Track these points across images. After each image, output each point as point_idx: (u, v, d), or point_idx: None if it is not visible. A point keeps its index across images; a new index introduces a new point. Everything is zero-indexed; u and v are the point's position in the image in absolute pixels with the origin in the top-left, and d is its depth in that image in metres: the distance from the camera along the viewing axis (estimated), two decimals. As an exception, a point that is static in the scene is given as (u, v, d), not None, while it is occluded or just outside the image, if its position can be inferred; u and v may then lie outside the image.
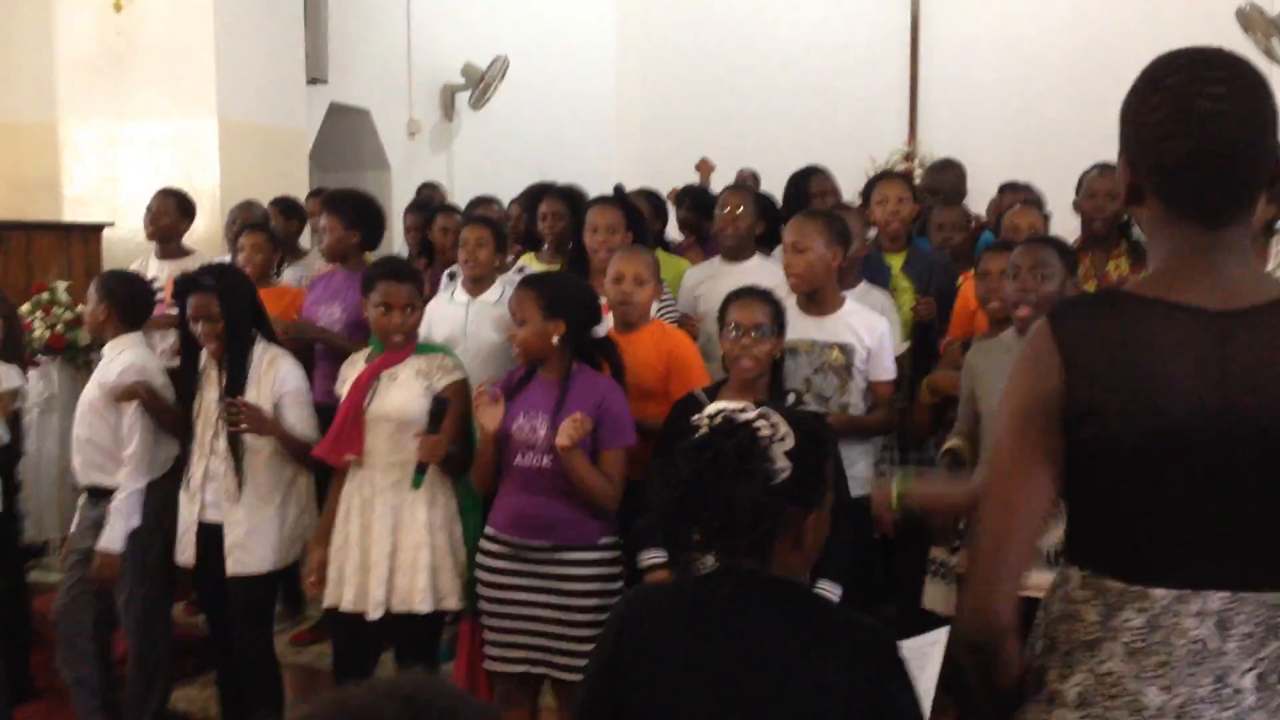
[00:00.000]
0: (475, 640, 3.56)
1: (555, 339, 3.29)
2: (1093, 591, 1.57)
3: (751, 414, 1.73)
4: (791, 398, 3.32)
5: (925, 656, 2.24)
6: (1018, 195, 5.09)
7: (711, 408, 1.77)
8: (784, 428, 1.71)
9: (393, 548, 3.47)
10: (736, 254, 4.45)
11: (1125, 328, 1.52)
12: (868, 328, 3.70)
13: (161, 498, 3.94)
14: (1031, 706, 1.62)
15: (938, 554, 3.58)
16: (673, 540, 1.78)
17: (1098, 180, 4.31)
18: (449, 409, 3.44)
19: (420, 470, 3.38)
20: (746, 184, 6.42)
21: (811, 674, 1.65)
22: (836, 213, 4.07)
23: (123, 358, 3.93)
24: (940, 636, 2.30)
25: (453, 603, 3.52)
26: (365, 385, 3.55)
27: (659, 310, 4.05)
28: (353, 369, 3.67)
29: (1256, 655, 1.50)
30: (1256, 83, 1.50)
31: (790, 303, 3.65)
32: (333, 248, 4.66)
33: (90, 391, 3.97)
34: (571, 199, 4.94)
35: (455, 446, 3.50)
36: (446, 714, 0.95)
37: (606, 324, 3.49)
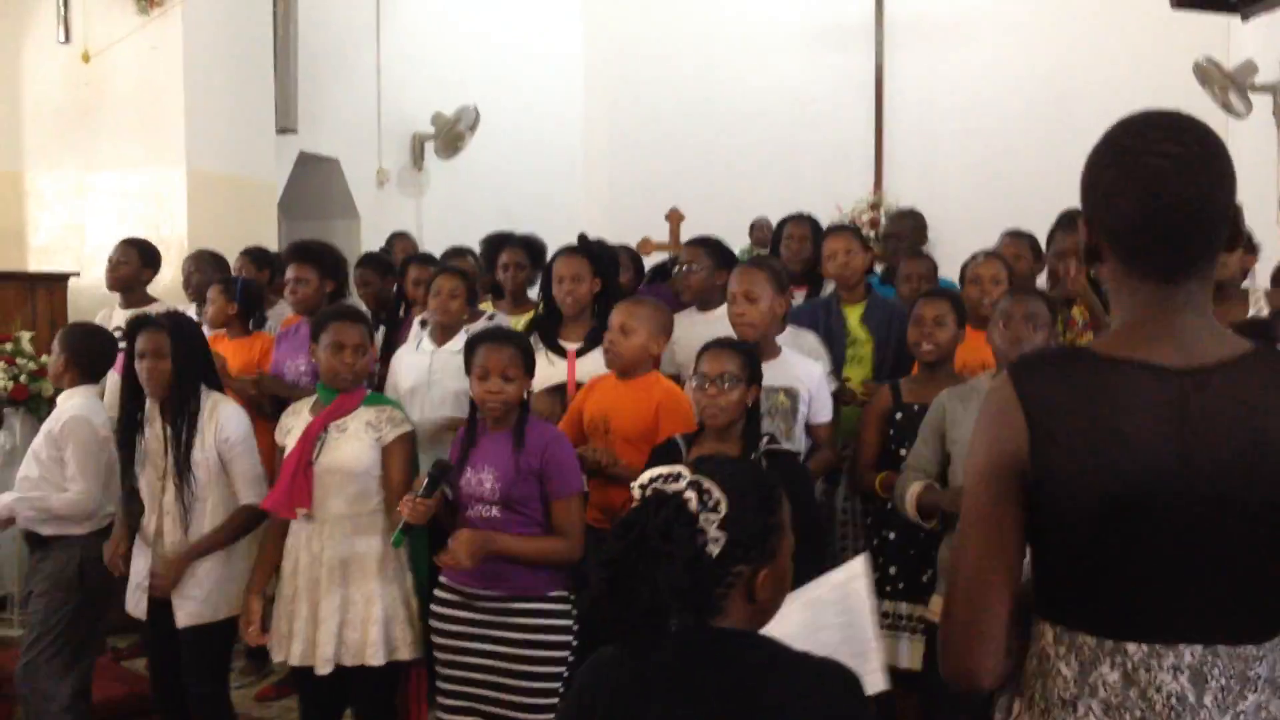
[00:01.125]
0: (423, 689, 3.55)
1: (525, 395, 3.38)
2: (1066, 647, 1.57)
3: (681, 483, 1.69)
4: (765, 440, 3.34)
5: (850, 596, 2.21)
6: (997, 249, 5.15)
7: (644, 476, 1.73)
8: (716, 494, 1.67)
9: (343, 601, 3.44)
10: (706, 304, 4.48)
11: (1087, 387, 1.52)
12: (806, 372, 3.83)
13: (93, 551, 3.88)
14: None
15: (900, 608, 3.60)
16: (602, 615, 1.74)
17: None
18: (449, 474, 3.35)
19: (404, 530, 3.31)
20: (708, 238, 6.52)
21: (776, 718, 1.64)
22: (778, 262, 4.18)
23: (68, 407, 3.89)
24: (858, 569, 2.27)
25: (406, 653, 3.50)
26: (314, 437, 3.51)
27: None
28: (295, 419, 3.63)
29: (1235, 709, 1.50)
30: (1208, 141, 1.52)
31: None
32: (308, 299, 4.64)
33: (37, 439, 3.95)
34: (531, 248, 4.97)
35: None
36: None
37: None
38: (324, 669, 3.44)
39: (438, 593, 3.38)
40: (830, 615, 2.27)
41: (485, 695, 3.28)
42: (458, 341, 4.35)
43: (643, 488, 1.71)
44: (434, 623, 3.38)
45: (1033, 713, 1.60)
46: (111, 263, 5.50)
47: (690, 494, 1.67)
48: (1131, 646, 1.52)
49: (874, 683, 2.21)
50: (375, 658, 3.43)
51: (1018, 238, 4.92)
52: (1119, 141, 1.53)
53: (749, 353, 3.37)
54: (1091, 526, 1.51)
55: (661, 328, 3.78)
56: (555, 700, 3.27)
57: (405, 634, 3.49)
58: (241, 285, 5.02)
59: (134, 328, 3.69)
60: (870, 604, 2.27)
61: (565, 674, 3.28)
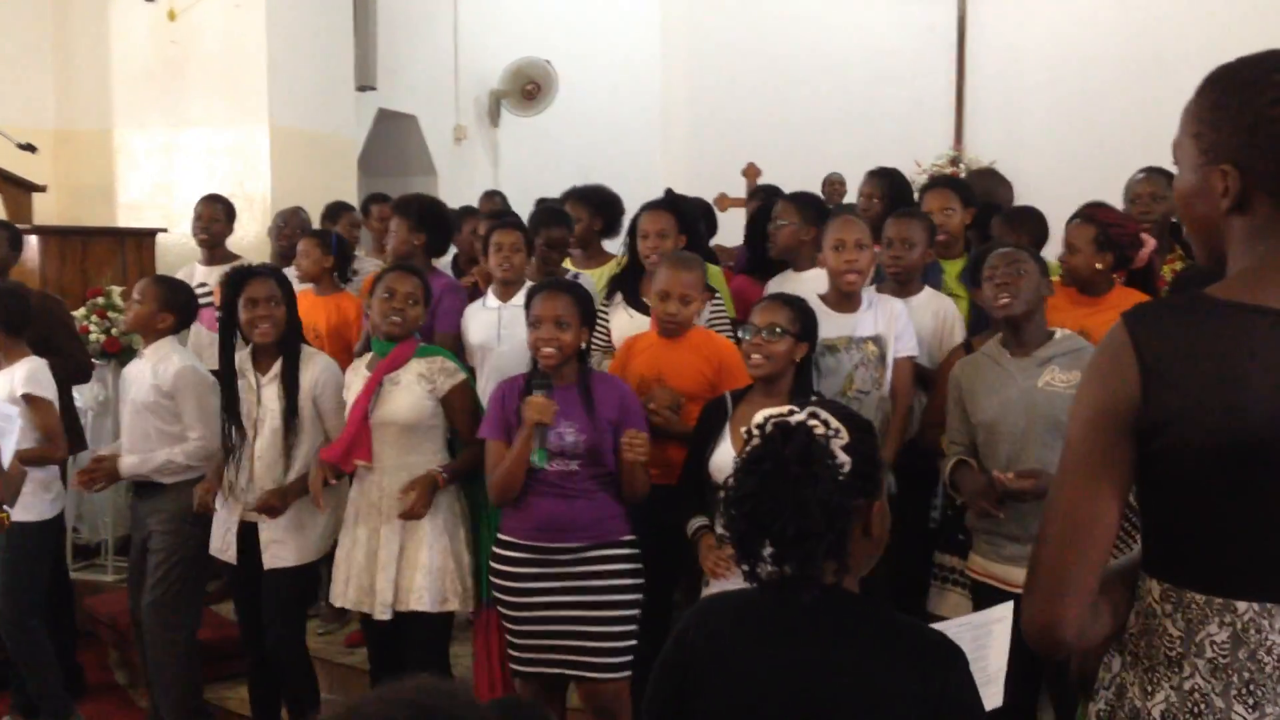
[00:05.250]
0: (491, 639, 3.61)
1: (583, 345, 3.39)
2: (1173, 605, 1.53)
3: (802, 414, 1.71)
4: (815, 400, 3.31)
5: (990, 635, 2.22)
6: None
7: (758, 416, 1.74)
8: (834, 423, 1.70)
9: (400, 548, 3.54)
10: (799, 263, 4.40)
11: (1205, 333, 1.47)
12: (889, 315, 3.79)
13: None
14: None
15: (945, 560, 3.58)
16: (744, 554, 1.74)
17: (1142, 184, 4.29)
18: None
19: (541, 442, 3.29)
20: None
21: (883, 685, 1.65)
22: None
23: (173, 361, 3.98)
24: (1005, 613, 2.29)
25: (455, 605, 3.59)
26: (370, 392, 3.59)
27: (708, 318, 4.07)
28: (355, 375, 3.72)
29: None
30: None
31: (817, 303, 3.67)
32: (397, 250, 4.68)
33: (142, 393, 4.01)
34: (593, 199, 4.92)
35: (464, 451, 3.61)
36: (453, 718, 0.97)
37: None
38: (382, 614, 3.54)
39: (498, 550, 3.42)
40: (965, 644, 2.31)
41: (559, 645, 3.34)
42: (522, 295, 4.38)
43: (759, 427, 1.72)
44: (497, 580, 3.41)
45: (1136, 670, 1.57)
46: (205, 219, 5.57)
47: (813, 422, 1.69)
48: (1241, 605, 1.48)
49: (991, 696, 2.22)
50: (421, 603, 3.52)
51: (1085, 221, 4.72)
52: (1276, 77, 1.46)
53: (803, 309, 3.34)
54: (1207, 475, 1.47)
55: (705, 286, 3.78)
56: (632, 643, 3.33)
57: (455, 586, 3.57)
58: (336, 239, 5.07)
59: (243, 277, 3.79)
60: (1007, 642, 2.27)
61: (637, 615, 3.35)
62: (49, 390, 4.17)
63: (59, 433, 4.21)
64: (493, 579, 3.43)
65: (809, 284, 4.15)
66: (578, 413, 3.30)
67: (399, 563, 3.53)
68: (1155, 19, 9.01)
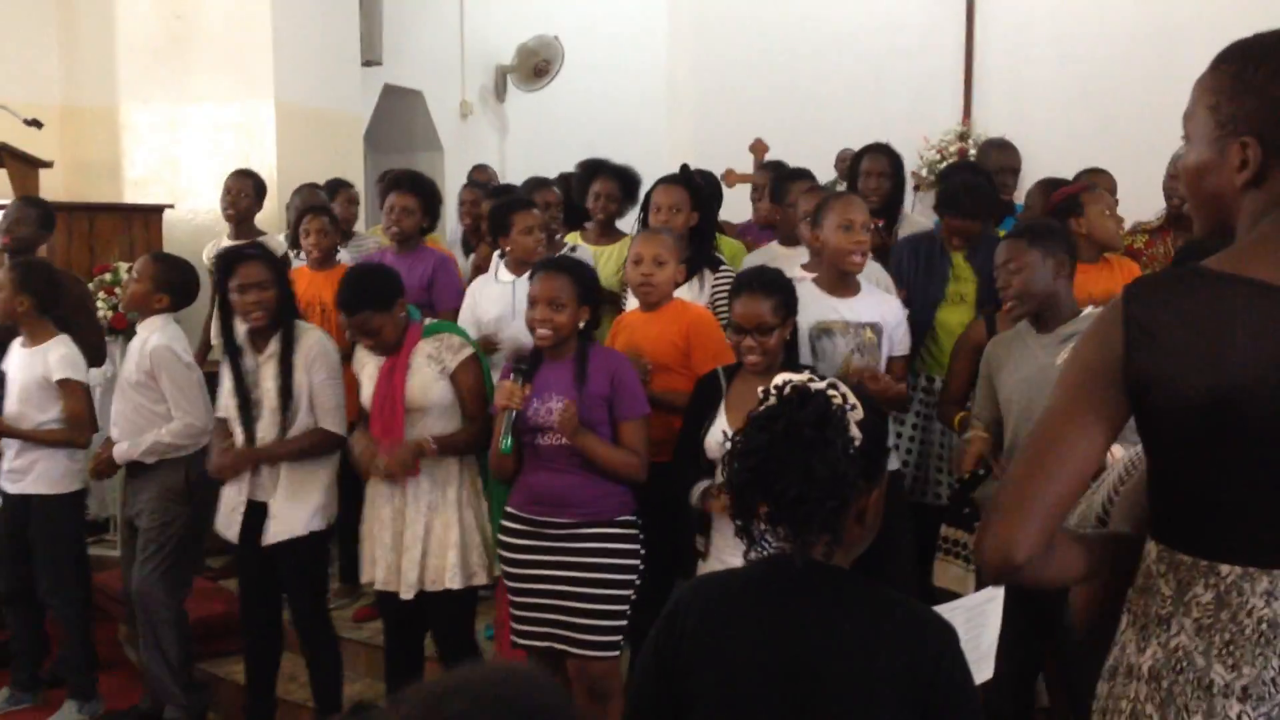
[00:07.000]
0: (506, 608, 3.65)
1: (581, 324, 3.37)
2: (1166, 565, 1.57)
3: (822, 384, 1.72)
4: (806, 375, 3.30)
5: (983, 614, 2.25)
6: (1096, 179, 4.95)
7: (779, 379, 1.76)
8: (852, 397, 1.71)
9: (425, 529, 3.55)
10: (793, 240, 4.38)
11: (1190, 300, 1.49)
12: (889, 308, 3.79)
13: (197, 471, 4.02)
14: (1112, 677, 1.64)
15: (949, 533, 3.59)
16: (741, 523, 1.74)
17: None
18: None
19: (511, 431, 3.34)
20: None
21: (875, 661, 1.65)
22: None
23: (151, 339, 4.00)
24: (996, 594, 2.32)
25: (481, 578, 3.61)
26: (400, 379, 3.59)
27: (712, 295, 4.06)
28: (369, 355, 3.70)
29: None
30: None
31: (810, 286, 3.68)
32: (411, 229, 4.66)
33: (129, 372, 4.06)
34: (625, 180, 4.92)
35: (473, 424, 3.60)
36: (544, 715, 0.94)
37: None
38: (407, 594, 3.56)
39: (504, 522, 3.47)
40: (959, 625, 2.34)
41: (555, 619, 3.37)
42: None
43: (778, 388, 1.74)
44: (502, 551, 3.47)
45: (1135, 628, 1.61)
46: (232, 195, 5.57)
47: (832, 392, 1.71)
48: (1225, 568, 1.51)
49: (983, 671, 2.24)
50: (453, 582, 3.55)
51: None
52: None
53: (780, 288, 3.28)
54: (1190, 437, 1.49)
55: (681, 256, 3.80)
56: (623, 623, 3.35)
57: (480, 559, 3.61)
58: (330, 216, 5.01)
59: (232, 260, 3.78)
60: (998, 622, 2.30)
61: (632, 597, 3.36)
62: (81, 374, 4.21)
63: (85, 419, 4.25)
64: (499, 550, 3.48)
65: (785, 261, 4.10)
66: (567, 388, 3.31)
67: (427, 543, 3.55)
68: (1166, -7, 8.94)
